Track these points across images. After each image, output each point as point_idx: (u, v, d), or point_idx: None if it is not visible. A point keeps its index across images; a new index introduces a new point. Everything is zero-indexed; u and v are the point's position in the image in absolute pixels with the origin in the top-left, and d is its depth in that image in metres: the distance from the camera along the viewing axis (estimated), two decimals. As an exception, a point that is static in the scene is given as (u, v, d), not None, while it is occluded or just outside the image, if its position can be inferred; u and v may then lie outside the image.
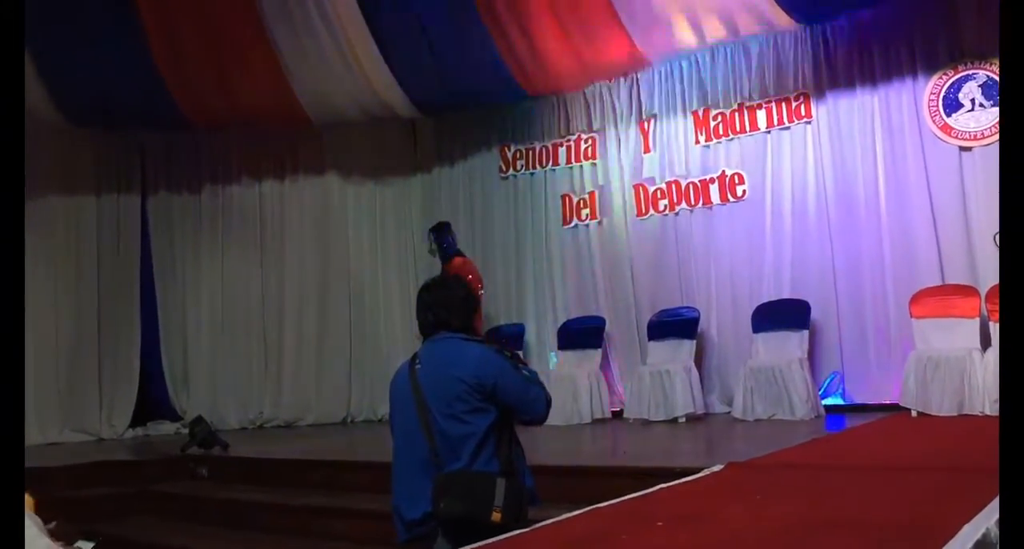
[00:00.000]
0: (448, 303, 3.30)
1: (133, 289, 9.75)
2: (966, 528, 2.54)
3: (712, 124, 8.39)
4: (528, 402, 3.09)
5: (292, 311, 9.99)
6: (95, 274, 9.54)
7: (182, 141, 9.95)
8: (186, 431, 7.97)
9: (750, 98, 8.20)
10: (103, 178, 9.73)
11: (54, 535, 2.50)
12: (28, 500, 2.63)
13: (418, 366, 3.20)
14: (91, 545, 2.62)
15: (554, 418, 5.41)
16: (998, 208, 6.85)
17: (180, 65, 8.84)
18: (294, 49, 8.94)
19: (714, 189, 8.32)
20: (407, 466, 3.16)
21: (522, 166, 9.61)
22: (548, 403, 3.17)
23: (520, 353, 6.63)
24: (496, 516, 2.89)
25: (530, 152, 9.57)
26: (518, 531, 2.88)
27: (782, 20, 7.81)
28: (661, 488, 3.83)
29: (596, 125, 9.15)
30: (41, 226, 9.23)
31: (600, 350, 8.49)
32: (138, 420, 9.50)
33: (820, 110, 7.86)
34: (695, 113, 8.48)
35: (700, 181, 8.41)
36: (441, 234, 7.77)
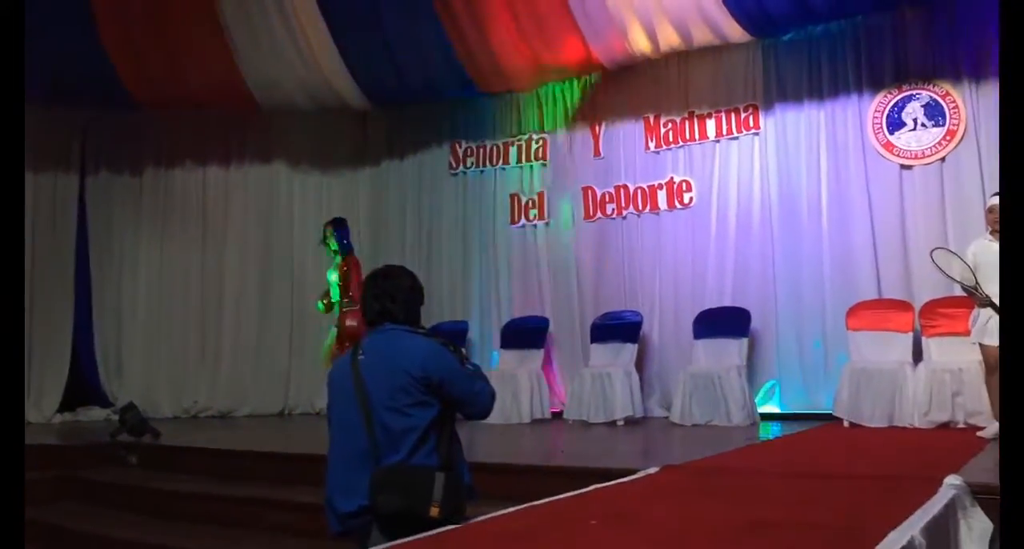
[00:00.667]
0: (394, 294, 3.27)
1: (67, 269, 9.51)
2: (892, 534, 2.60)
3: (662, 131, 8.47)
4: (473, 396, 3.09)
5: (232, 299, 9.82)
6: (27, 256, 9.23)
7: (125, 121, 9.70)
8: (116, 418, 7.77)
9: (700, 107, 8.30)
10: (41, 154, 9.43)
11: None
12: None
13: (361, 357, 3.17)
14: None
15: (493, 416, 5.42)
16: (938, 225, 7.06)
17: (127, 42, 8.65)
18: (245, 32, 8.82)
19: (662, 195, 8.41)
20: (343, 458, 3.13)
21: (472, 163, 9.60)
22: (493, 397, 3.18)
23: (464, 350, 6.66)
24: (434, 511, 2.88)
25: (481, 149, 9.56)
26: (453, 526, 2.87)
27: (735, 32, 7.92)
28: (596, 488, 3.85)
29: (548, 126, 9.18)
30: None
31: (542, 350, 8.52)
32: (67, 405, 9.26)
33: (768, 122, 7.99)
34: (646, 119, 8.56)
35: (648, 186, 8.48)
36: (340, 229, 7.79)
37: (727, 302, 7.90)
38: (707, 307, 7.91)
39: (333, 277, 7.66)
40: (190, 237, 9.88)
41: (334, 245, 7.65)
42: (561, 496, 3.58)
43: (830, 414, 6.88)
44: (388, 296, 3.25)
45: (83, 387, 9.42)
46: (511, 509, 3.30)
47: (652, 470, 4.32)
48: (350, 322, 7.51)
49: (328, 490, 3.16)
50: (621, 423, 7.55)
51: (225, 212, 9.97)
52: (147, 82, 9.11)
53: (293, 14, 8.63)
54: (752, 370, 7.61)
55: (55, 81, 8.82)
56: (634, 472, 4.27)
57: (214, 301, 9.82)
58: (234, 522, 5.07)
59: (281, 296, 9.89)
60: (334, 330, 7.57)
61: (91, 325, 9.54)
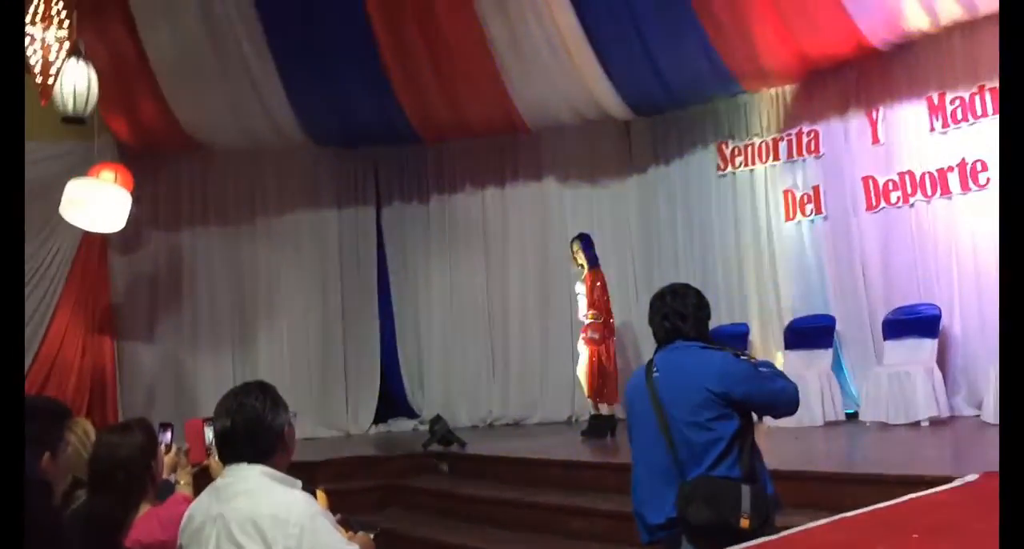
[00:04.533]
0: (683, 311, 3.38)
1: (372, 296, 10.52)
2: None
3: (949, 109, 7.87)
4: (777, 395, 3.14)
5: (516, 313, 10.35)
6: (338, 283, 10.37)
7: (411, 155, 10.62)
8: (424, 428, 8.49)
9: (993, 79, 7.60)
10: (342, 192, 10.55)
11: (343, 525, 2.77)
12: (321, 496, 2.95)
13: (656, 374, 3.29)
14: (371, 535, 2.86)
15: (786, 420, 5.30)
16: None
17: (413, 86, 9.46)
18: (513, 59, 9.28)
19: (953, 178, 7.80)
20: (647, 472, 3.27)
21: (740, 163, 9.43)
22: (796, 389, 3.22)
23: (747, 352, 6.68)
24: (744, 522, 2.95)
25: (748, 148, 9.37)
26: (768, 537, 2.90)
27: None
28: (911, 498, 3.69)
29: (818, 117, 8.83)
30: (291, 239, 10.20)
31: (831, 350, 8.21)
32: (380, 417, 10.22)
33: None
34: (929, 98, 7.99)
35: (937, 170, 7.91)
36: (586, 244, 8.40)
37: (1040, 289, 7.17)
38: (1016, 295, 7.23)
39: (580, 289, 8.36)
40: (474, 256, 10.54)
41: (581, 259, 8.30)
42: (874, 507, 3.47)
43: None
44: (678, 315, 3.37)
45: (392, 401, 10.37)
46: (824, 520, 3.25)
47: (970, 478, 4.05)
48: (592, 334, 8.14)
49: (635, 503, 3.31)
50: (925, 424, 7.10)
51: (504, 231, 10.53)
52: (429, 118, 9.91)
53: (556, 32, 8.96)
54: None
55: (352, 126, 9.86)
56: (948, 480, 4.02)
57: (500, 316, 10.39)
58: (543, 528, 5.38)
59: (561, 307, 10.24)
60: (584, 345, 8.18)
61: (395, 345, 10.47)
